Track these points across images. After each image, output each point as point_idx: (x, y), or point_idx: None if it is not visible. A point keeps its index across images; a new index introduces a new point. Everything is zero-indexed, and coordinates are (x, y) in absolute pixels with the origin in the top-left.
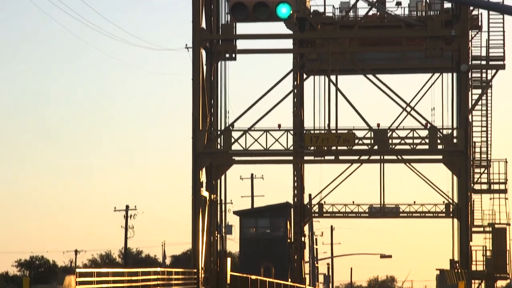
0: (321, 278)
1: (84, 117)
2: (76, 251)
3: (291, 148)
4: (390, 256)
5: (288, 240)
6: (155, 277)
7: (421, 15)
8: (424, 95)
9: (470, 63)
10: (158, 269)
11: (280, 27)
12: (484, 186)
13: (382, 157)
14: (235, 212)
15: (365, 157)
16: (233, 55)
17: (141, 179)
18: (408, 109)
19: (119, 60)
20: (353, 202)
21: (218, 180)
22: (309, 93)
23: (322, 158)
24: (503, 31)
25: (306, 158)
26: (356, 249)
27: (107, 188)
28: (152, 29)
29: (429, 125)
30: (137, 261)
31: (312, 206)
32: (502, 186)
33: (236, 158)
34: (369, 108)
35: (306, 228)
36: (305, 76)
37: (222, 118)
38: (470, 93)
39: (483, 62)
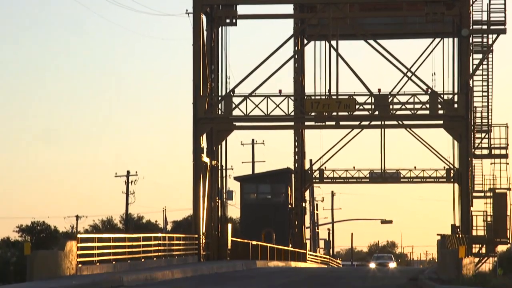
0: (321, 244)
1: (86, 83)
2: (77, 217)
3: (292, 113)
4: (390, 222)
5: (289, 206)
6: (156, 242)
7: None
8: (425, 60)
9: (471, 27)
10: (159, 235)
11: None
12: (485, 151)
13: (382, 122)
14: (235, 178)
15: (366, 123)
16: (234, 21)
17: (142, 145)
18: (409, 74)
19: (119, 25)
20: (354, 167)
21: (219, 146)
22: (310, 58)
23: (323, 124)
24: None
25: (306, 123)
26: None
27: (108, 154)
28: None
29: (429, 90)
30: (138, 227)
31: (313, 171)
32: (502, 151)
33: (237, 124)
34: (370, 73)
35: (306, 193)
36: (305, 41)
37: (222, 84)
38: (471, 58)
39: (484, 27)
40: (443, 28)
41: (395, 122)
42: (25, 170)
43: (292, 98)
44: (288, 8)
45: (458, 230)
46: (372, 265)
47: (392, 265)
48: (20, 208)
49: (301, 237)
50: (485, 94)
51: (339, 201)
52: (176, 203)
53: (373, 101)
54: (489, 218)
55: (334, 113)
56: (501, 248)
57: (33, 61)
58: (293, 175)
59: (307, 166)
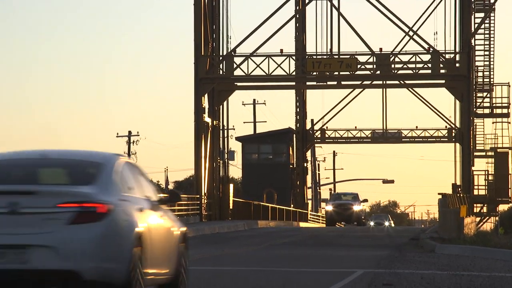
0: (323, 204)
1: (86, 45)
2: None
3: (293, 73)
4: (392, 181)
5: (291, 166)
6: None
7: None
8: (427, 19)
9: None
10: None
11: None
12: (487, 110)
13: (384, 82)
14: (237, 138)
15: (368, 82)
16: None
17: (143, 105)
18: (411, 33)
19: None
20: (356, 127)
21: (220, 106)
22: (311, 18)
23: (325, 84)
24: None
25: (308, 83)
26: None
27: (109, 114)
28: None
29: (431, 49)
30: None
31: (315, 131)
32: (504, 110)
33: (238, 84)
34: (372, 32)
35: (308, 153)
36: (307, 0)
37: (224, 44)
38: (473, 16)
39: None
40: None
41: (396, 82)
42: (27, 130)
43: (294, 57)
44: None
45: (460, 189)
46: (371, 223)
47: (387, 223)
48: None
49: (302, 197)
50: (487, 53)
51: (341, 161)
52: (178, 164)
53: (374, 60)
54: (490, 178)
55: (336, 73)
56: (502, 207)
57: (34, 22)
58: (294, 135)
59: (308, 126)
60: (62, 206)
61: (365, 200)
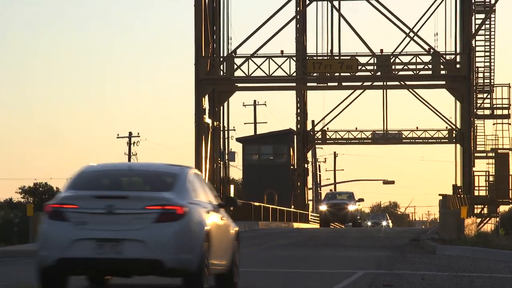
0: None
1: (87, 44)
2: None
3: (294, 74)
4: (393, 182)
5: (291, 167)
6: None
7: None
8: (427, 20)
9: None
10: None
11: None
12: (487, 111)
13: (385, 83)
14: (238, 139)
15: (368, 83)
16: None
17: (144, 106)
18: (411, 34)
19: None
20: (356, 128)
21: (221, 107)
22: (312, 19)
23: (325, 84)
24: None
25: (309, 84)
26: (359, 175)
27: (110, 115)
28: None
29: (432, 50)
30: None
31: (315, 132)
32: (505, 111)
33: (239, 85)
34: (372, 34)
35: (309, 155)
36: (307, 1)
37: (224, 45)
38: (473, 17)
39: None
40: None
41: (397, 83)
42: (27, 131)
43: (294, 58)
44: None
45: (460, 190)
46: (368, 223)
47: (385, 223)
48: (22, 169)
49: (303, 198)
50: (487, 54)
51: (342, 162)
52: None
53: (375, 61)
54: (491, 178)
55: (336, 74)
56: (503, 208)
57: (35, 22)
58: (295, 136)
59: (309, 127)
60: (149, 208)
61: (361, 200)
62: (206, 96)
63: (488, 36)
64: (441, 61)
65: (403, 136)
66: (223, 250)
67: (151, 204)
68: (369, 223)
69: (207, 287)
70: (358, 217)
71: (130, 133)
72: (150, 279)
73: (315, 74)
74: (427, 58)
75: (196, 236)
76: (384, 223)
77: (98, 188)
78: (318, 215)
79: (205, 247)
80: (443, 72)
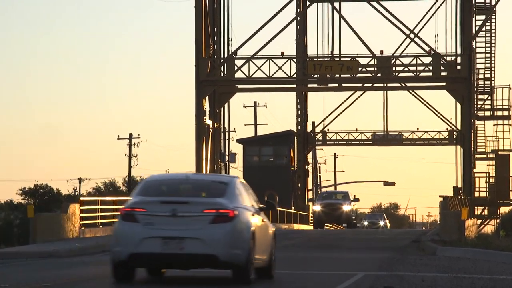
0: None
1: (87, 46)
2: (80, 179)
3: (295, 75)
4: (393, 184)
5: (292, 168)
6: None
7: None
8: (428, 22)
9: None
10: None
11: None
12: (487, 113)
13: (385, 84)
14: (238, 140)
15: (369, 85)
16: None
17: (144, 107)
18: (412, 36)
19: None
20: (357, 129)
21: (221, 108)
22: (313, 20)
23: (325, 86)
24: None
25: (309, 85)
26: (360, 177)
27: (110, 116)
28: None
29: (432, 51)
30: None
31: (316, 134)
32: (505, 113)
33: (239, 86)
34: (373, 35)
35: (309, 156)
36: (308, 3)
37: (225, 46)
38: (474, 19)
39: None
40: None
41: (397, 84)
42: (28, 133)
43: (295, 60)
44: None
45: (461, 191)
46: (365, 223)
47: (382, 223)
48: (23, 171)
49: (304, 199)
50: (488, 55)
51: (342, 163)
52: (179, 166)
53: (375, 63)
54: (491, 180)
55: (337, 75)
56: (503, 209)
57: (35, 24)
58: (295, 137)
59: (309, 128)
60: (206, 212)
61: (356, 199)
62: (207, 98)
63: (488, 38)
64: (442, 62)
65: (404, 137)
66: (264, 247)
67: (208, 208)
68: (365, 223)
69: (252, 278)
70: (353, 218)
71: (131, 135)
72: (202, 271)
73: (315, 76)
74: (427, 60)
75: (244, 235)
76: (381, 223)
77: (161, 194)
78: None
79: (251, 244)
80: (443, 73)
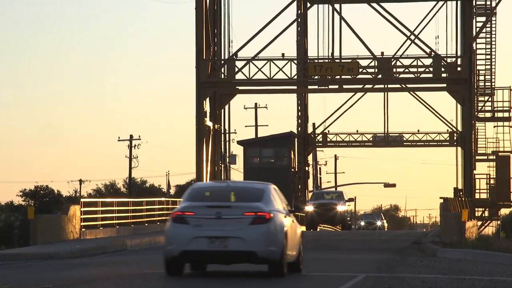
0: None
1: (88, 47)
2: (80, 181)
3: (295, 77)
4: (394, 185)
5: (292, 170)
6: (160, 206)
7: None
8: (428, 23)
9: None
10: (163, 199)
11: None
12: (488, 114)
13: (386, 85)
14: (239, 142)
15: (369, 86)
16: None
17: (145, 109)
18: (412, 37)
19: None
20: (357, 131)
21: (222, 110)
22: (313, 22)
23: (326, 87)
24: None
25: (309, 87)
26: (360, 178)
27: (111, 118)
28: None
29: (433, 53)
30: (141, 191)
31: (316, 135)
32: (505, 114)
33: (240, 88)
34: (373, 36)
35: (310, 157)
36: (308, 4)
37: (225, 48)
38: (474, 20)
39: None
40: None
41: (398, 86)
42: (28, 134)
43: (295, 61)
44: None
45: (461, 193)
46: (361, 223)
47: (380, 223)
48: (23, 172)
49: (304, 201)
50: (488, 57)
51: (342, 165)
52: (179, 167)
53: (376, 64)
54: (492, 181)
55: (337, 77)
56: (504, 211)
57: (35, 22)
58: (296, 139)
59: (310, 130)
60: (246, 214)
61: (351, 199)
62: (207, 99)
63: (489, 39)
64: (442, 63)
65: (404, 139)
66: (294, 245)
67: (248, 211)
68: (362, 223)
69: (285, 272)
70: (348, 219)
71: (131, 136)
72: (240, 266)
73: (316, 77)
74: (428, 61)
75: (279, 234)
76: (378, 223)
77: (206, 200)
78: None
79: (284, 242)
80: (444, 75)
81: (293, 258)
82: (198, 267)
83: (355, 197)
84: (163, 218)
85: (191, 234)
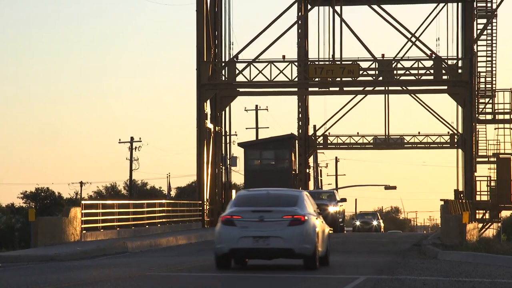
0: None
1: (89, 50)
2: (81, 183)
3: (296, 79)
4: (394, 187)
5: (293, 172)
6: (160, 209)
7: None
8: (429, 26)
9: None
10: (163, 201)
11: None
12: (489, 116)
13: (386, 88)
14: (239, 144)
15: (370, 88)
16: None
17: (146, 111)
18: (413, 39)
19: None
20: (358, 133)
21: (223, 112)
22: (314, 24)
23: (327, 89)
24: None
25: (310, 89)
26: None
27: (112, 120)
28: None
29: (433, 55)
30: (142, 193)
31: (317, 137)
32: (506, 116)
33: (241, 90)
34: (374, 39)
35: (310, 159)
36: (309, 6)
37: (226, 50)
38: (475, 23)
39: None
40: None
41: (399, 88)
42: (29, 136)
43: (296, 63)
44: None
45: (462, 195)
46: (357, 223)
47: (376, 223)
48: (24, 174)
49: None
50: (489, 59)
51: (343, 167)
52: (180, 169)
53: (377, 66)
54: (492, 183)
55: (338, 79)
56: (504, 213)
57: (36, 25)
58: (297, 141)
59: (311, 132)
60: (285, 217)
61: (343, 200)
62: (208, 101)
63: (489, 41)
64: (443, 66)
65: (405, 141)
66: (323, 242)
67: (286, 214)
68: (357, 223)
69: (317, 265)
70: (340, 220)
71: (132, 138)
72: (279, 261)
73: (316, 79)
74: (428, 63)
75: (312, 234)
76: (374, 222)
77: (251, 205)
78: None
79: (316, 240)
80: (445, 77)
81: (323, 254)
82: (240, 261)
83: (356, 199)
84: (164, 220)
85: (239, 234)
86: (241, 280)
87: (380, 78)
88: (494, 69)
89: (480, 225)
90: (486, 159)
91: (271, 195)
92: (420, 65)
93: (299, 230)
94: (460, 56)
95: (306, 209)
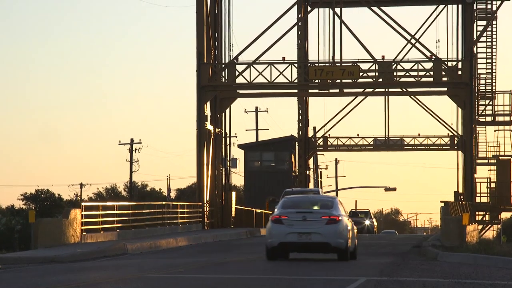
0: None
1: (89, 52)
2: (81, 185)
3: (296, 81)
4: (394, 189)
5: (293, 173)
6: (160, 210)
7: None
8: (429, 27)
9: None
10: (163, 203)
11: None
12: (489, 118)
13: (386, 89)
14: (239, 146)
15: (370, 90)
16: None
17: (146, 113)
18: (413, 41)
19: None
20: (358, 135)
21: (223, 114)
22: (314, 25)
23: (327, 91)
24: None
25: (310, 91)
26: (361, 182)
27: (112, 122)
28: None
29: (433, 57)
30: (142, 195)
31: (317, 139)
32: (506, 118)
33: (241, 92)
34: (374, 40)
35: (310, 161)
36: (309, 8)
37: (226, 51)
38: (475, 24)
39: None
40: None
41: (399, 89)
42: (29, 138)
43: (296, 65)
44: None
45: (462, 197)
46: None
47: (368, 222)
48: (24, 176)
49: None
50: (489, 61)
51: (343, 168)
52: (180, 171)
53: (377, 68)
54: (492, 185)
55: (338, 80)
56: (504, 215)
57: (36, 27)
58: (297, 142)
59: (311, 133)
60: (323, 217)
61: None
62: (208, 103)
63: (489, 43)
64: (443, 67)
65: (405, 142)
66: (353, 239)
67: (324, 215)
68: None
69: (349, 257)
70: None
71: (132, 140)
72: (319, 255)
73: (316, 81)
74: (428, 65)
75: (344, 231)
76: (367, 222)
77: (295, 207)
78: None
79: (348, 236)
80: (444, 78)
81: (352, 249)
82: (283, 255)
83: (356, 201)
84: (164, 222)
85: (286, 230)
86: (237, 281)
87: (380, 80)
88: (494, 71)
89: (480, 226)
90: (486, 161)
91: (311, 199)
92: (420, 67)
93: (335, 228)
94: (460, 58)
95: (339, 211)
